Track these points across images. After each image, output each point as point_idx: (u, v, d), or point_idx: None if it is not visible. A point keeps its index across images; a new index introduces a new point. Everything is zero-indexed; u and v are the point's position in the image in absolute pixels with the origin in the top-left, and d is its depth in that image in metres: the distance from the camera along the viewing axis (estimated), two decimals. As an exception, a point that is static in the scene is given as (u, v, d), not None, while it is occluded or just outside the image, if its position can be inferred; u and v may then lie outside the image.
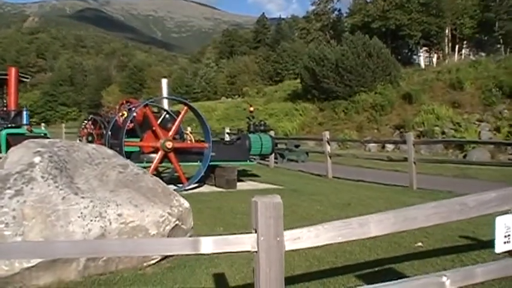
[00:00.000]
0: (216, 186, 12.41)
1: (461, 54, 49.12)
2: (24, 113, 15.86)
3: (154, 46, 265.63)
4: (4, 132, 15.10)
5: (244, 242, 2.66)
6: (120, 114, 20.45)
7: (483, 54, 48.18)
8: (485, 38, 50.96)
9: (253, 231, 2.67)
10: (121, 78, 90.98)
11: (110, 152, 6.79)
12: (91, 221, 5.38)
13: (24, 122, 15.69)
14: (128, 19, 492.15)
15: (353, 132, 29.63)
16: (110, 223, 5.46)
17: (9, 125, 15.46)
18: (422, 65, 44.29)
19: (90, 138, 21.15)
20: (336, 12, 57.31)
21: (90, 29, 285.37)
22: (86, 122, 23.30)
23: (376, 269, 5.42)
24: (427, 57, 46.78)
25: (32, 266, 5.01)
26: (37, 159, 5.77)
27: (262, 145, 12.99)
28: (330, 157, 15.35)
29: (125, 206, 5.63)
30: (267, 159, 19.06)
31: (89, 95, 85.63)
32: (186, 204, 6.26)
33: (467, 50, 50.49)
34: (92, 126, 21.94)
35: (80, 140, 21.46)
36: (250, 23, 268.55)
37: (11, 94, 16.12)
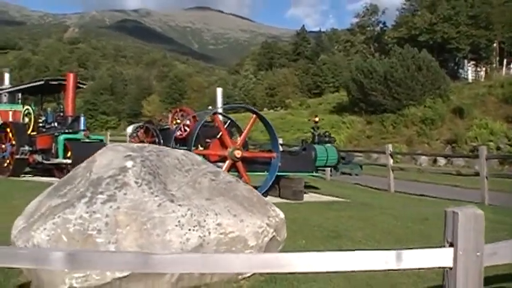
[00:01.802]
0: (280, 197, 12.02)
1: (509, 69, 47.78)
2: (82, 118, 15.98)
3: (191, 57, 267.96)
4: (62, 137, 15.21)
5: (437, 257, 2.35)
6: (174, 122, 20.46)
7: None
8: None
9: (447, 244, 2.36)
10: (161, 88, 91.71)
11: (199, 158, 6.53)
12: (189, 230, 5.09)
13: (82, 127, 15.78)
14: (165, 30, 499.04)
15: (402, 146, 29.01)
16: (209, 233, 5.17)
17: (67, 131, 15.55)
18: (470, 78, 43.27)
19: (141, 147, 21.21)
20: (381, 25, 56.59)
21: (129, 40, 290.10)
22: (137, 129, 23.34)
23: None
24: (474, 71, 45.66)
25: (124, 277, 4.75)
26: (129, 163, 5.53)
27: (328, 156, 12.62)
28: (393, 171, 14.86)
29: (223, 215, 5.34)
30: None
31: (129, 104, 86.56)
32: (282, 215, 5.92)
33: (517, 64, 49.09)
34: (144, 134, 21.98)
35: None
36: (287, 36, 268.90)
37: (68, 100, 16.22)
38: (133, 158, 5.63)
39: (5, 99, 29.28)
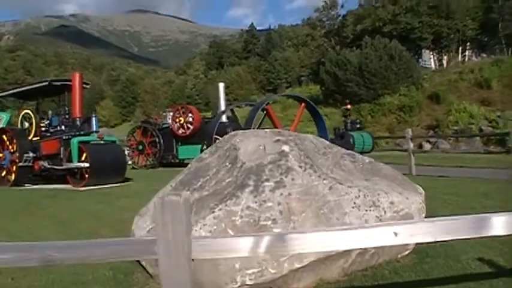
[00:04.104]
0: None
1: (464, 56, 49.42)
2: (94, 119, 15.26)
3: (132, 61, 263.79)
4: (76, 140, 14.51)
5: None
6: (177, 120, 20.06)
7: (484, 55, 48.64)
8: (486, 39, 51.36)
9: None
10: (113, 92, 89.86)
11: (325, 141, 6.32)
12: (366, 211, 4.92)
13: (94, 129, 15.09)
14: (104, 35, 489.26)
15: (385, 134, 29.43)
16: (385, 212, 5.02)
17: (78, 133, 14.86)
18: (433, 67, 44.44)
19: (140, 147, 20.63)
20: (340, 18, 57.35)
21: (67, 46, 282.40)
22: (133, 130, 22.76)
23: None
24: (436, 59, 46.92)
25: (302, 267, 4.52)
26: (286, 147, 5.29)
27: (364, 142, 12.64)
28: (413, 154, 14.94)
29: (392, 194, 5.19)
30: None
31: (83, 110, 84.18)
32: (422, 190, 5.83)
33: (470, 51, 50.84)
34: (142, 135, 21.48)
35: (127, 150, 20.90)
36: (227, 35, 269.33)
37: (75, 101, 15.54)
38: (286, 142, 5.40)
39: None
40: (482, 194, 9.50)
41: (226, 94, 70.50)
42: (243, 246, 2.24)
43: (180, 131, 19.92)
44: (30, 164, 15.39)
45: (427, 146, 26.19)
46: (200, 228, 4.63)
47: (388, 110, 31.83)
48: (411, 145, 15.12)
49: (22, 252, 2.35)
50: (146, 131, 21.36)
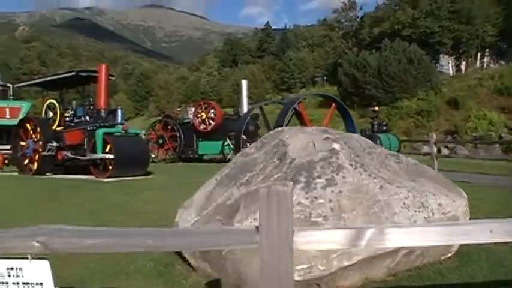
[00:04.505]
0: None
1: (482, 62, 49.08)
2: (119, 111, 15.25)
3: (145, 56, 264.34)
4: (101, 131, 14.52)
5: None
6: (199, 115, 20.13)
7: (503, 62, 48.23)
8: (505, 46, 50.95)
9: None
10: (127, 86, 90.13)
11: (369, 141, 6.32)
12: (415, 211, 4.90)
13: (119, 121, 15.08)
14: (118, 29, 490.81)
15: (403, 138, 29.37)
16: (433, 213, 4.99)
17: (103, 124, 14.88)
18: (451, 72, 44.20)
19: (161, 141, 20.69)
20: (358, 20, 57.14)
21: (80, 39, 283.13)
22: (154, 124, 22.83)
23: None
24: (454, 65, 46.63)
25: (350, 265, 4.50)
26: (336, 145, 5.28)
27: (391, 144, 12.62)
28: (437, 158, 14.89)
29: (439, 196, 5.17)
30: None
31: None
32: (465, 193, 5.81)
33: (488, 58, 50.46)
34: (162, 129, 21.55)
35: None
36: (240, 33, 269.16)
37: (100, 92, 15.53)
38: (335, 140, 5.40)
39: (-5, 95, 28.03)
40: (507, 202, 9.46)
41: (239, 93, 70.44)
42: (343, 238, 2.24)
43: (201, 127, 19.98)
44: (53, 153, 15.46)
45: (444, 151, 26.06)
46: (251, 222, 4.66)
47: (406, 114, 31.71)
48: (435, 149, 15.03)
49: (119, 237, 2.36)
50: (167, 125, 21.44)
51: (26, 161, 16.40)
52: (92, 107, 15.94)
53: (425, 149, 26.60)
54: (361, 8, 56.62)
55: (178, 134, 20.66)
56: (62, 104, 16.82)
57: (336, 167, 4.98)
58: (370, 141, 6.19)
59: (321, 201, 4.62)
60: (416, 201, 4.92)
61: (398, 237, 2.24)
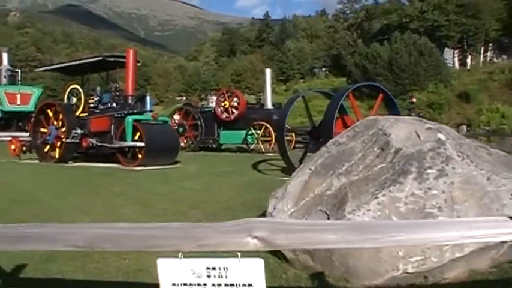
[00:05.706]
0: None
1: (485, 57, 49.10)
2: (148, 98, 14.82)
3: (139, 44, 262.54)
4: (131, 118, 14.20)
5: None
6: (222, 104, 19.88)
7: (505, 57, 48.28)
8: (507, 41, 50.95)
9: None
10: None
11: (456, 132, 6.16)
12: (523, 202, 4.77)
13: (148, 108, 14.69)
14: (111, 17, 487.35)
15: (414, 131, 29.34)
16: (540, 205, 4.86)
17: (132, 111, 14.54)
18: (457, 65, 44.16)
19: (181, 130, 20.41)
20: (364, 12, 56.93)
21: (73, 26, 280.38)
22: (174, 112, 22.53)
23: None
24: (460, 58, 46.60)
25: (461, 256, 4.40)
26: (442, 136, 5.16)
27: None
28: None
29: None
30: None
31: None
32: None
33: (491, 52, 50.48)
34: (183, 117, 21.25)
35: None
36: (235, 23, 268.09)
37: (128, 78, 15.21)
38: (439, 129, 5.29)
39: (4, 80, 27.66)
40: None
41: (238, 82, 70.02)
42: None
43: (224, 115, 19.73)
44: (77, 140, 15.10)
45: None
46: (363, 214, 4.57)
47: (416, 107, 31.64)
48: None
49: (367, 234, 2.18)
50: (188, 113, 21.14)
51: (47, 148, 16.04)
52: (118, 93, 15.59)
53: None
54: (366, 0, 56.83)
55: (199, 123, 20.37)
56: (84, 90, 16.38)
57: (445, 157, 4.89)
58: (456, 133, 6.05)
59: (435, 192, 4.53)
60: (523, 192, 4.81)
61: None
